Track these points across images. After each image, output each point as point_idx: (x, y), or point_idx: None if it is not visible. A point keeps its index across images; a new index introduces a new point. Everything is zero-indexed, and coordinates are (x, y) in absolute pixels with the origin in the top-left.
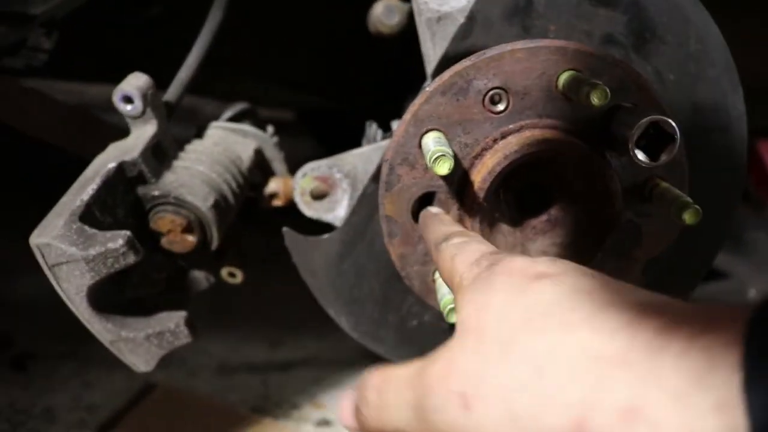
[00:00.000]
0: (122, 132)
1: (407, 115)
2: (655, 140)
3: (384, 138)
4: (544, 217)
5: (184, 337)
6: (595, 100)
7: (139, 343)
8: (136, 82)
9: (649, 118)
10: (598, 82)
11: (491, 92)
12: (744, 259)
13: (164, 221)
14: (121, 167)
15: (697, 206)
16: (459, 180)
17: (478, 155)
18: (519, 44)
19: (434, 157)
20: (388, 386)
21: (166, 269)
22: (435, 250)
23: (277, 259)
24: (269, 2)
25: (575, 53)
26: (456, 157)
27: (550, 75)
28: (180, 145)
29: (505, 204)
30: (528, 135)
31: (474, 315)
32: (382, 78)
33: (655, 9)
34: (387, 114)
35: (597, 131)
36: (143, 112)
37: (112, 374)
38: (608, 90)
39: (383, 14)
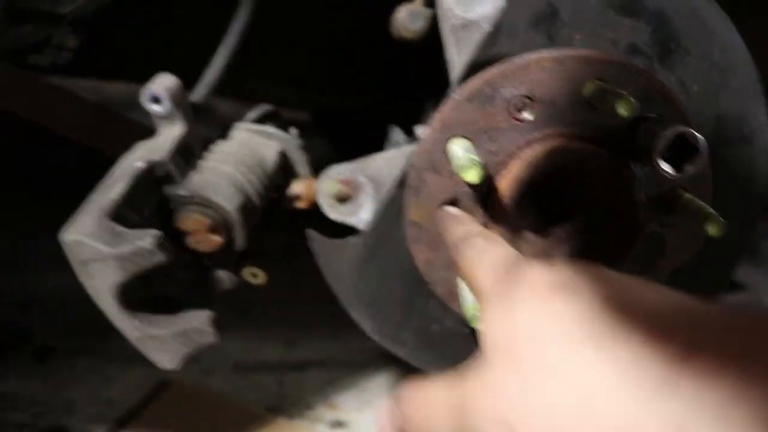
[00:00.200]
0: (146, 130)
1: (434, 122)
2: (679, 151)
3: (408, 143)
4: (568, 226)
5: (210, 336)
6: (622, 111)
7: (166, 341)
8: (164, 83)
9: (675, 130)
10: (624, 93)
11: (518, 100)
12: (760, 270)
13: (190, 221)
14: (149, 166)
15: (721, 218)
16: (484, 187)
17: (504, 163)
18: (545, 53)
19: (463, 165)
20: (426, 403)
21: (191, 268)
22: (454, 250)
23: (292, 259)
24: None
25: (601, 62)
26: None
27: (576, 84)
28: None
29: (530, 212)
30: (553, 144)
31: (502, 332)
32: (397, 80)
33: (679, 19)
34: (404, 116)
35: (622, 141)
36: (171, 112)
37: (129, 370)
38: (634, 101)
39: (407, 19)
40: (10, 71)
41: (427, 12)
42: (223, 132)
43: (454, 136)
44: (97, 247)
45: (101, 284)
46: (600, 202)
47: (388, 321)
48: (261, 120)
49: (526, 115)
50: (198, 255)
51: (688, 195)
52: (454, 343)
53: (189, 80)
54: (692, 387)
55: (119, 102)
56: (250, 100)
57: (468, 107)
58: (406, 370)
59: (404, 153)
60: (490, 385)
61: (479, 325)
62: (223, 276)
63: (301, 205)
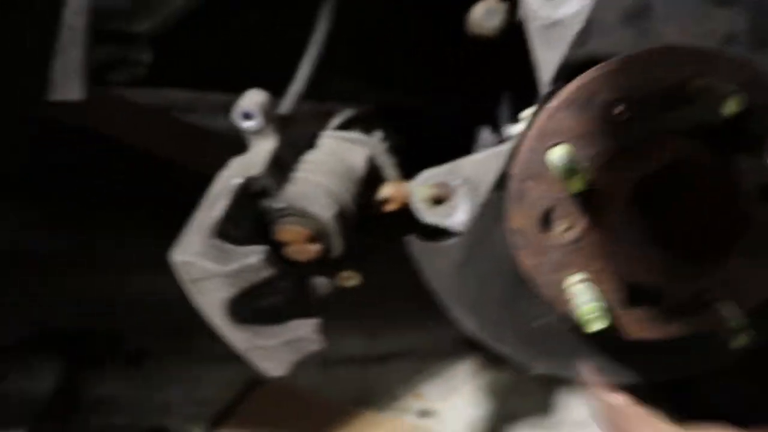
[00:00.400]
0: (232, 141)
1: (532, 131)
2: None
3: (497, 143)
4: (671, 224)
5: (316, 344)
6: (732, 107)
7: (274, 350)
8: (255, 99)
9: None
10: (732, 88)
11: (614, 103)
12: None
13: (288, 232)
14: (246, 182)
15: None
16: (587, 192)
17: (604, 167)
18: (639, 51)
19: (565, 174)
20: None
21: (290, 278)
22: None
23: (372, 252)
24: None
25: (700, 56)
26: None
27: (674, 81)
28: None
29: (632, 213)
30: (654, 144)
31: None
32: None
33: None
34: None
35: (724, 133)
36: (263, 128)
37: (220, 369)
38: (741, 94)
39: (484, 17)
40: (102, 95)
41: (503, 7)
42: (310, 141)
43: (553, 143)
44: (206, 267)
45: (211, 301)
46: (704, 196)
47: (488, 320)
48: (345, 126)
49: (624, 117)
50: (296, 265)
51: None
52: (555, 339)
53: (267, 88)
54: None
55: (180, 106)
56: (332, 101)
57: (565, 114)
58: (491, 357)
59: (497, 154)
60: None
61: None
62: (321, 283)
63: (391, 207)
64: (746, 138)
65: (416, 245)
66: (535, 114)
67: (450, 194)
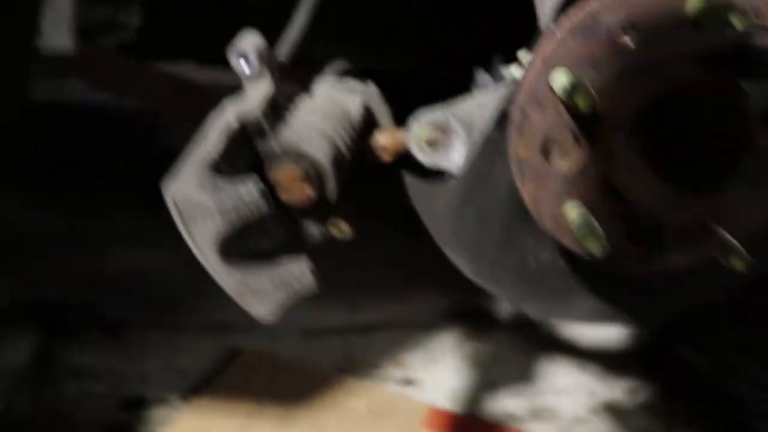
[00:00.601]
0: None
1: (537, 58)
2: None
3: (496, 85)
4: (676, 149)
5: (310, 285)
6: (736, 22)
7: (265, 291)
8: (251, 40)
9: None
10: (734, 2)
11: (620, 28)
12: None
13: (283, 173)
14: (242, 123)
15: None
16: (590, 118)
17: (608, 93)
18: None
19: (571, 92)
20: None
21: (283, 222)
22: None
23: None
24: None
25: None
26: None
27: (678, 5)
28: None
29: (637, 138)
30: (658, 68)
31: None
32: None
33: None
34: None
35: (728, 57)
36: (258, 70)
37: (199, 340)
38: (748, 19)
39: None
40: (109, 56)
41: None
42: (305, 89)
43: (558, 68)
44: (200, 200)
45: (205, 237)
46: (710, 120)
47: (485, 260)
48: (341, 75)
49: (630, 43)
50: (289, 209)
51: None
52: (549, 279)
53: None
54: None
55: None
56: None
57: (569, 40)
58: (472, 328)
59: (496, 95)
60: None
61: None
62: (313, 230)
63: (385, 156)
64: (752, 62)
65: (413, 186)
66: (540, 41)
67: (447, 135)
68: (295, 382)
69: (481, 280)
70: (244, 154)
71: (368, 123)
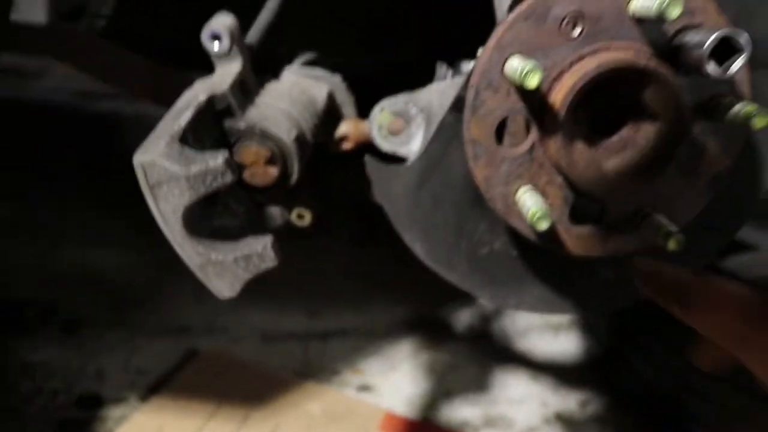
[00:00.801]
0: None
1: (491, 42)
2: (719, 57)
3: (455, 76)
4: (616, 137)
5: (270, 261)
6: (674, 12)
7: (227, 266)
8: (223, 21)
9: (722, 30)
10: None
11: (568, 18)
12: None
13: (249, 153)
14: (210, 99)
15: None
16: (539, 102)
17: (557, 77)
18: None
19: (525, 72)
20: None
21: (246, 203)
22: (681, 301)
23: (311, 234)
24: None
25: None
26: None
27: (622, 0)
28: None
29: (582, 123)
30: (603, 56)
31: None
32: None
33: None
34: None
35: (664, 52)
36: (230, 50)
37: (156, 341)
38: (681, 3)
39: None
40: (83, 35)
41: None
42: (274, 74)
43: (511, 54)
44: (169, 168)
45: (170, 207)
46: (647, 110)
47: (440, 245)
48: (309, 64)
49: (576, 32)
50: (252, 190)
51: (729, 97)
52: (502, 266)
53: None
54: None
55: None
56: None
57: (522, 26)
58: (429, 337)
59: (453, 84)
60: None
61: (742, 360)
62: (275, 213)
63: (347, 145)
64: (683, 56)
65: (373, 166)
66: (494, 29)
67: (407, 123)
68: (253, 384)
69: (435, 265)
70: (211, 133)
71: (333, 111)
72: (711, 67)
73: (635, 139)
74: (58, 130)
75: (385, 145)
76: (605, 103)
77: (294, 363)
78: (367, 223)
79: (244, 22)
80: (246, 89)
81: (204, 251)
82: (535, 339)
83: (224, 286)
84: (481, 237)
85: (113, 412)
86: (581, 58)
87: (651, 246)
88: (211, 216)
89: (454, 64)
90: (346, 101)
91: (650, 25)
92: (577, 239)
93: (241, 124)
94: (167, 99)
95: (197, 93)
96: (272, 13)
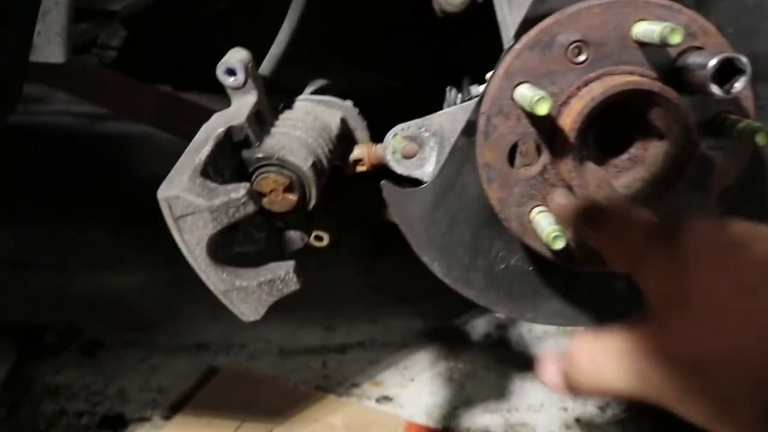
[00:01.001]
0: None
1: (500, 71)
2: (722, 78)
3: (465, 101)
4: (625, 156)
5: (293, 285)
6: (675, 38)
7: (251, 291)
8: (238, 56)
9: (723, 55)
10: (671, 23)
11: (573, 45)
12: None
13: (267, 181)
14: (229, 131)
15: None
16: (549, 126)
17: (565, 102)
18: (594, 1)
19: (533, 100)
20: (599, 354)
21: (266, 229)
22: (591, 227)
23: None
24: None
25: (644, 5)
26: None
27: (624, 26)
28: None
29: (591, 145)
30: (609, 80)
31: (674, 281)
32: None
33: None
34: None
35: (668, 74)
36: (245, 83)
37: (175, 360)
38: (682, 29)
39: None
40: (97, 69)
41: None
42: (287, 103)
43: (520, 82)
44: (193, 201)
45: (194, 238)
46: (654, 129)
47: (457, 264)
48: (320, 92)
49: (582, 58)
50: (272, 216)
51: (733, 116)
52: (518, 282)
53: None
54: None
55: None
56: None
57: (529, 55)
58: (447, 347)
59: (463, 108)
60: (669, 333)
61: (639, 279)
62: (294, 236)
63: (361, 169)
64: (686, 78)
65: (389, 190)
66: (502, 56)
67: (421, 147)
68: (274, 399)
69: (453, 283)
70: (230, 164)
71: (346, 136)
72: (714, 88)
73: (644, 157)
74: (67, 153)
75: (399, 168)
76: (613, 123)
77: (313, 377)
78: (380, 236)
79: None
80: (262, 119)
81: (228, 278)
82: (552, 345)
83: (249, 310)
84: (497, 254)
85: (138, 431)
86: (588, 82)
87: None
88: (232, 243)
89: (461, 88)
90: (358, 126)
91: (653, 48)
92: (591, 254)
93: (259, 154)
94: (178, 127)
95: (216, 126)
96: (285, 44)
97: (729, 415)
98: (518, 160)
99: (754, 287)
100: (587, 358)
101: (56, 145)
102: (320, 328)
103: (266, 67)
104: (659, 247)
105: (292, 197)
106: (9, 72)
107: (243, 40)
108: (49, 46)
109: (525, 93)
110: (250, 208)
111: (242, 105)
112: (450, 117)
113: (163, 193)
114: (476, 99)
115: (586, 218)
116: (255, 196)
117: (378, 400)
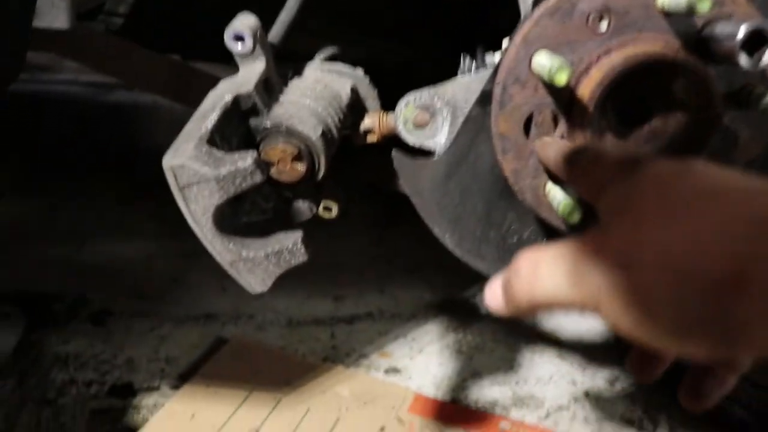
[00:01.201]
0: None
1: (517, 38)
2: (749, 48)
3: (479, 69)
4: (647, 128)
5: (301, 256)
6: (704, 6)
7: (258, 262)
8: (246, 21)
9: (753, 22)
10: None
11: (594, 13)
12: None
13: (275, 150)
14: (236, 99)
15: None
16: (567, 96)
17: (585, 72)
18: None
19: (552, 69)
20: (541, 259)
21: (273, 199)
22: (568, 166)
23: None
24: None
25: None
26: None
27: None
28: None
29: (611, 116)
30: (631, 48)
31: (623, 199)
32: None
33: None
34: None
35: (693, 43)
36: (253, 50)
37: (183, 330)
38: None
39: None
40: (103, 36)
41: None
42: (296, 71)
43: (537, 49)
44: (199, 170)
45: (200, 207)
46: (677, 100)
47: (469, 236)
48: (330, 60)
49: (603, 26)
50: (280, 186)
51: (760, 88)
52: None
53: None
54: None
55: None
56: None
57: (548, 22)
58: (456, 319)
59: (478, 77)
60: (605, 235)
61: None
62: (303, 207)
63: (372, 138)
64: (713, 47)
65: (400, 161)
66: (520, 24)
67: (432, 116)
68: (282, 369)
69: (465, 255)
70: (238, 132)
71: (356, 105)
72: (743, 59)
73: (665, 129)
74: (75, 123)
75: (410, 138)
76: (634, 94)
77: (321, 348)
78: (390, 206)
79: (264, 16)
80: (270, 87)
81: (235, 249)
82: (562, 317)
83: (256, 281)
84: (510, 227)
85: (146, 400)
86: (609, 51)
87: None
88: (239, 213)
89: (476, 56)
90: (369, 95)
91: (678, 17)
92: None
93: (267, 122)
94: (188, 95)
95: (223, 94)
96: (294, 11)
97: (653, 320)
98: (534, 131)
99: (695, 201)
100: (528, 264)
101: (65, 114)
102: (329, 299)
103: (275, 33)
104: (621, 176)
105: (301, 167)
106: (10, 37)
107: (252, 5)
108: (53, 10)
109: (543, 62)
110: (258, 177)
111: (250, 72)
112: (464, 86)
113: (169, 161)
114: (491, 68)
115: (568, 160)
116: (263, 165)
117: (386, 372)
